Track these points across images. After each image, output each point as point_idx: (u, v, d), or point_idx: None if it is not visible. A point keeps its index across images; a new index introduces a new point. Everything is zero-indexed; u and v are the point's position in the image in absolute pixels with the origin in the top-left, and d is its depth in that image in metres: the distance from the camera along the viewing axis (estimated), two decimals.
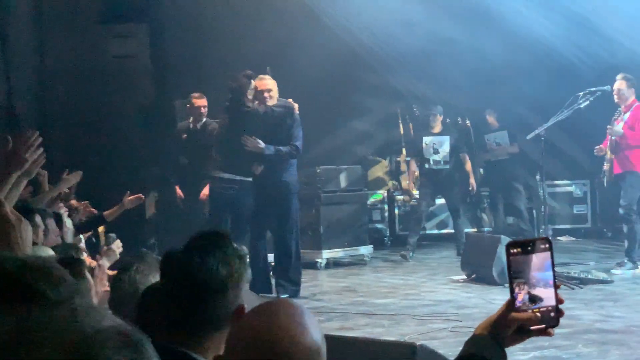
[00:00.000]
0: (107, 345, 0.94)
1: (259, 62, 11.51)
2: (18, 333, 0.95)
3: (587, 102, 8.89)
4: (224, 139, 8.77)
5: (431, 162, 11.61)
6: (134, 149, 12.15)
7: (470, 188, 11.73)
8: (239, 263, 2.25)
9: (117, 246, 5.55)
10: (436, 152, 11.61)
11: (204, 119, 9.88)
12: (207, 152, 9.84)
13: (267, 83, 8.71)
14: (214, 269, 2.21)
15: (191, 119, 9.97)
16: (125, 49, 12.58)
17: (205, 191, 9.61)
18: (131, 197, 7.74)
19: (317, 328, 1.69)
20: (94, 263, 4.13)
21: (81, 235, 7.42)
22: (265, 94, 8.66)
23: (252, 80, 8.66)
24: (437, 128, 11.70)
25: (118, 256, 5.30)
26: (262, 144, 8.56)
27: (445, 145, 11.62)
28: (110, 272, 3.73)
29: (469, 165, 11.68)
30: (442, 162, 11.59)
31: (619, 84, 9.39)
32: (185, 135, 9.95)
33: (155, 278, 2.77)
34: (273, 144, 8.61)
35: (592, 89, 8.98)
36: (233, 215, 8.86)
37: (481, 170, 12.98)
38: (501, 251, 9.00)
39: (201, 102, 9.87)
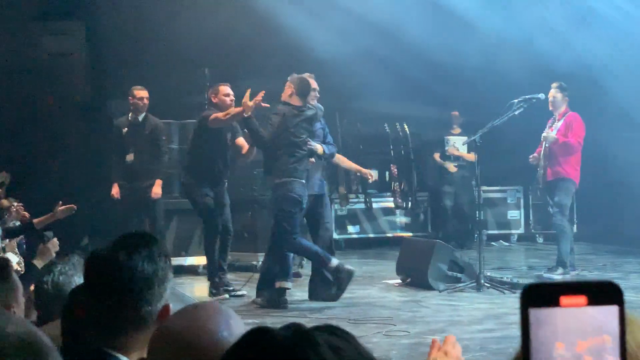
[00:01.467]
0: (5, 351, 0.92)
1: (198, 61, 11.45)
2: None
3: (522, 109, 9.02)
4: (288, 142, 8.17)
5: None
6: (69, 149, 11.95)
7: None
8: (164, 261, 2.25)
9: (53, 245, 5.46)
10: None
11: (145, 113, 9.77)
12: (153, 147, 9.74)
13: (315, 82, 8.51)
14: (139, 266, 2.19)
15: (130, 113, 9.81)
16: (61, 47, 12.37)
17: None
18: (63, 207, 7.57)
19: (242, 330, 1.68)
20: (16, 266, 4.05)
21: (14, 240, 7.28)
22: (318, 94, 8.52)
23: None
24: None
25: (54, 255, 5.21)
26: (320, 147, 8.42)
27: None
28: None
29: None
30: None
31: (554, 92, 9.55)
32: (126, 129, 9.79)
33: (80, 279, 2.73)
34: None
35: (527, 97, 9.10)
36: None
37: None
38: (436, 256, 9.08)
39: (143, 93, 9.75)
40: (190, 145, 9.14)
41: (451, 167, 12.68)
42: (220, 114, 8.60)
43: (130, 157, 9.68)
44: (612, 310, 1.00)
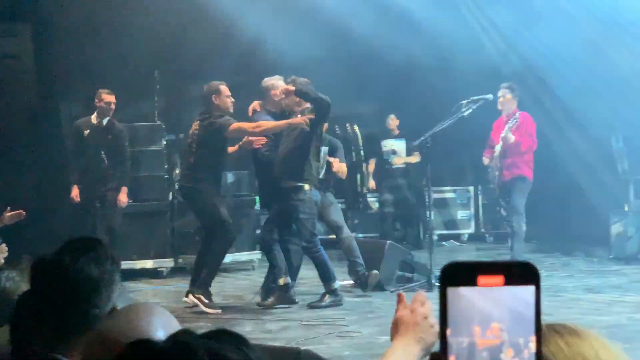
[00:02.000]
0: None
1: (148, 63, 11.35)
2: None
3: (470, 110, 9.07)
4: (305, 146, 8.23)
5: None
6: (17, 153, 11.77)
7: None
8: (111, 264, 2.24)
9: (2, 251, 5.38)
10: None
11: (110, 117, 9.66)
12: (115, 152, 9.62)
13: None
14: (86, 269, 2.19)
15: (94, 115, 9.69)
16: (7, 49, 12.18)
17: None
18: (11, 213, 7.44)
19: (177, 329, 1.68)
20: None
21: None
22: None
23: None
24: None
25: (2, 261, 5.14)
26: None
27: None
28: None
29: None
30: None
31: (503, 92, 9.58)
32: (88, 131, 9.66)
33: (28, 285, 2.71)
34: None
35: (475, 97, 9.15)
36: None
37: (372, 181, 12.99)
38: (387, 257, 9.13)
39: (111, 98, 9.63)
40: (197, 154, 8.41)
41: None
42: (246, 125, 8.21)
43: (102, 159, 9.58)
44: (529, 290, 1.00)
